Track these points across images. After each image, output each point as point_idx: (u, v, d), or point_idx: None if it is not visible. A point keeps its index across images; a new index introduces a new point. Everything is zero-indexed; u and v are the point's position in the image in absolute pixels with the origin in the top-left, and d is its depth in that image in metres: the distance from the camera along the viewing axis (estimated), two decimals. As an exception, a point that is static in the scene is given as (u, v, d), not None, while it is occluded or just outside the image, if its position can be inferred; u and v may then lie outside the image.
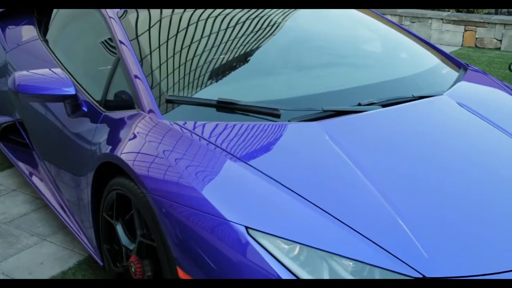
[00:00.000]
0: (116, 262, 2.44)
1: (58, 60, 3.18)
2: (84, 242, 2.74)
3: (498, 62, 7.41)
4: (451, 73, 2.98)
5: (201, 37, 2.81)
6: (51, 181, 3.17)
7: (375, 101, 2.47)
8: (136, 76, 2.49)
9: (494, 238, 1.89)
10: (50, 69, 2.71)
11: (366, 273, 1.73)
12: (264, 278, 1.72)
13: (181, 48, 2.73)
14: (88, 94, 2.75)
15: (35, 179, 3.36)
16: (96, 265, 2.79)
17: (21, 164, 3.55)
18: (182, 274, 1.90)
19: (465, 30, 8.43)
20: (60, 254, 2.94)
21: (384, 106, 2.47)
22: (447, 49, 7.03)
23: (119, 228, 2.33)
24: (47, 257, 2.92)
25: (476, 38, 8.39)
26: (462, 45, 8.48)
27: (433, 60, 3.10)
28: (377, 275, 1.73)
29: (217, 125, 2.26)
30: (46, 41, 3.44)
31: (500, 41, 8.23)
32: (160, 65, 2.62)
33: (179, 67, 2.64)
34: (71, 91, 2.58)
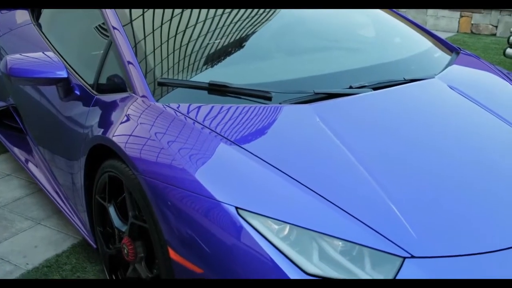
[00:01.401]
0: (109, 244, 2.46)
1: (51, 44, 3.18)
2: (77, 225, 2.76)
3: (493, 48, 7.42)
4: (443, 57, 2.99)
5: (196, 22, 2.81)
6: (45, 165, 3.18)
7: (366, 84, 2.48)
8: (128, 61, 2.49)
9: (482, 219, 1.90)
10: (43, 52, 2.71)
11: (355, 253, 1.75)
12: (253, 257, 1.73)
13: (176, 34, 2.73)
14: (81, 77, 2.75)
15: (29, 164, 3.37)
16: (90, 248, 2.81)
17: (15, 149, 3.56)
18: (173, 255, 1.92)
19: (461, 16, 8.43)
20: (54, 238, 2.96)
21: (375, 89, 2.48)
22: (443, 35, 7.02)
23: (112, 210, 2.34)
24: (41, 240, 2.94)
25: (472, 24, 8.39)
26: (457, 31, 8.48)
27: (426, 43, 3.10)
28: (366, 254, 1.75)
29: (209, 107, 2.27)
30: (39, 26, 3.43)
31: (496, 27, 8.23)
32: (154, 50, 2.62)
33: (173, 52, 2.64)
34: (63, 74, 2.58)
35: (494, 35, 8.23)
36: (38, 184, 3.22)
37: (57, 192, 3.03)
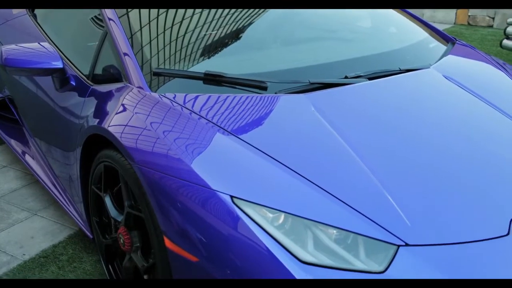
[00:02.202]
0: (105, 234, 2.47)
1: (46, 35, 3.18)
2: (74, 216, 2.76)
3: (490, 39, 7.42)
4: (439, 47, 2.99)
5: (192, 14, 2.80)
6: (42, 157, 3.18)
7: (361, 74, 2.49)
8: (124, 52, 2.49)
9: (477, 208, 1.91)
10: (38, 43, 2.70)
11: (350, 241, 1.76)
12: (248, 246, 1.74)
13: (172, 25, 2.73)
14: (76, 68, 2.75)
15: (25, 155, 3.37)
16: (86, 239, 2.82)
17: (11, 141, 3.56)
18: (169, 244, 1.92)
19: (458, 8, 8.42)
20: (50, 228, 2.97)
21: (370, 79, 2.48)
22: (440, 27, 7.02)
23: (108, 200, 2.35)
24: (38, 231, 2.95)
25: (469, 15, 8.38)
26: (455, 23, 8.48)
27: (421, 34, 3.10)
28: (361, 242, 1.76)
29: (205, 97, 2.27)
30: (35, 16, 3.42)
31: (493, 18, 8.23)
32: (150, 41, 2.62)
33: (169, 43, 2.64)
34: (58, 64, 2.58)
35: (491, 26, 8.22)
36: (35, 175, 3.22)
37: (53, 183, 3.04)
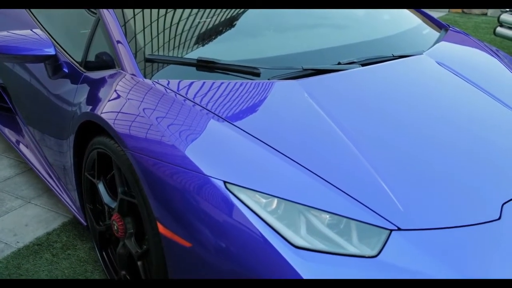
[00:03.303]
0: (99, 221, 2.47)
1: (39, 22, 3.15)
2: (68, 203, 2.76)
3: (484, 27, 7.42)
4: (432, 34, 2.99)
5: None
6: (35, 145, 3.17)
7: (355, 60, 2.49)
8: (117, 40, 2.48)
9: (469, 193, 1.93)
10: (30, 30, 2.69)
11: (343, 226, 1.77)
12: (241, 231, 1.74)
13: (166, 12, 2.72)
14: (69, 55, 2.74)
15: (19, 143, 3.36)
16: (80, 226, 2.82)
17: (5, 129, 3.55)
18: (162, 229, 1.93)
19: (452, -4, 8.41)
20: (44, 216, 2.97)
21: (364, 65, 2.48)
22: (434, 15, 7.02)
23: (101, 187, 2.35)
24: (32, 219, 2.95)
25: (463, 4, 8.36)
26: (449, 11, 8.47)
27: (414, 20, 3.10)
28: (353, 227, 1.77)
29: (198, 84, 2.27)
30: (27, 4, 3.40)
31: (487, 6, 8.21)
32: (144, 28, 2.61)
33: (163, 31, 2.63)
34: (51, 51, 2.57)
35: (485, 14, 8.22)
36: (28, 163, 3.22)
37: (47, 171, 3.03)
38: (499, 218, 1.85)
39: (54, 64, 2.69)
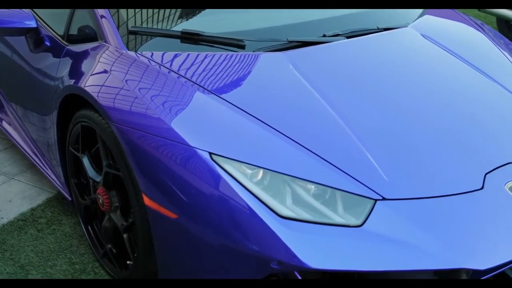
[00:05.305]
0: (84, 195, 2.46)
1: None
2: (52, 179, 2.74)
3: (468, 4, 7.42)
4: (417, 7, 2.98)
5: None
6: (18, 121, 3.13)
7: (340, 33, 2.48)
8: (101, 15, 2.44)
9: (453, 162, 1.95)
10: (10, 3, 2.64)
11: (328, 196, 1.78)
12: (227, 201, 1.75)
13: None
14: (51, 28, 2.69)
15: (1, 120, 3.32)
16: (65, 202, 2.81)
17: (-14, 105, 3.49)
18: (148, 201, 1.92)
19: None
20: (28, 192, 2.95)
21: (349, 37, 2.48)
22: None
23: (86, 161, 2.33)
24: (16, 195, 2.93)
25: (447, -20, 8.35)
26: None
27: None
28: (339, 197, 1.78)
29: (183, 55, 2.25)
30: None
31: (471, -17, 8.21)
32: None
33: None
34: (32, 24, 2.53)
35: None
36: (11, 139, 3.18)
37: (30, 147, 3.00)
38: (482, 188, 1.88)
39: (35, 38, 2.65)
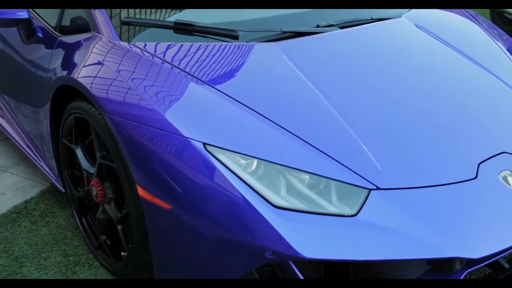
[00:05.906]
0: (78, 187, 2.45)
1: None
2: (45, 171, 2.73)
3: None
4: (411, -3, 2.98)
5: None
6: (11, 113, 3.12)
7: (333, 23, 2.48)
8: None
9: (445, 153, 1.95)
10: (1, -6, 2.62)
11: (322, 186, 1.78)
12: (221, 192, 1.74)
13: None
14: (43, 19, 2.68)
15: (-6, 112, 3.30)
16: (59, 194, 2.80)
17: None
18: (142, 192, 1.92)
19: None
20: (22, 184, 2.94)
21: (342, 28, 2.48)
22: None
23: (79, 152, 2.32)
24: (9, 187, 2.91)
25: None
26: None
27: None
28: (333, 187, 1.78)
29: (176, 46, 2.24)
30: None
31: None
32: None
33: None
34: (24, 15, 2.51)
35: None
36: (4, 132, 3.17)
37: (23, 140, 2.99)
38: (476, 177, 1.88)
39: (27, 29, 2.63)
